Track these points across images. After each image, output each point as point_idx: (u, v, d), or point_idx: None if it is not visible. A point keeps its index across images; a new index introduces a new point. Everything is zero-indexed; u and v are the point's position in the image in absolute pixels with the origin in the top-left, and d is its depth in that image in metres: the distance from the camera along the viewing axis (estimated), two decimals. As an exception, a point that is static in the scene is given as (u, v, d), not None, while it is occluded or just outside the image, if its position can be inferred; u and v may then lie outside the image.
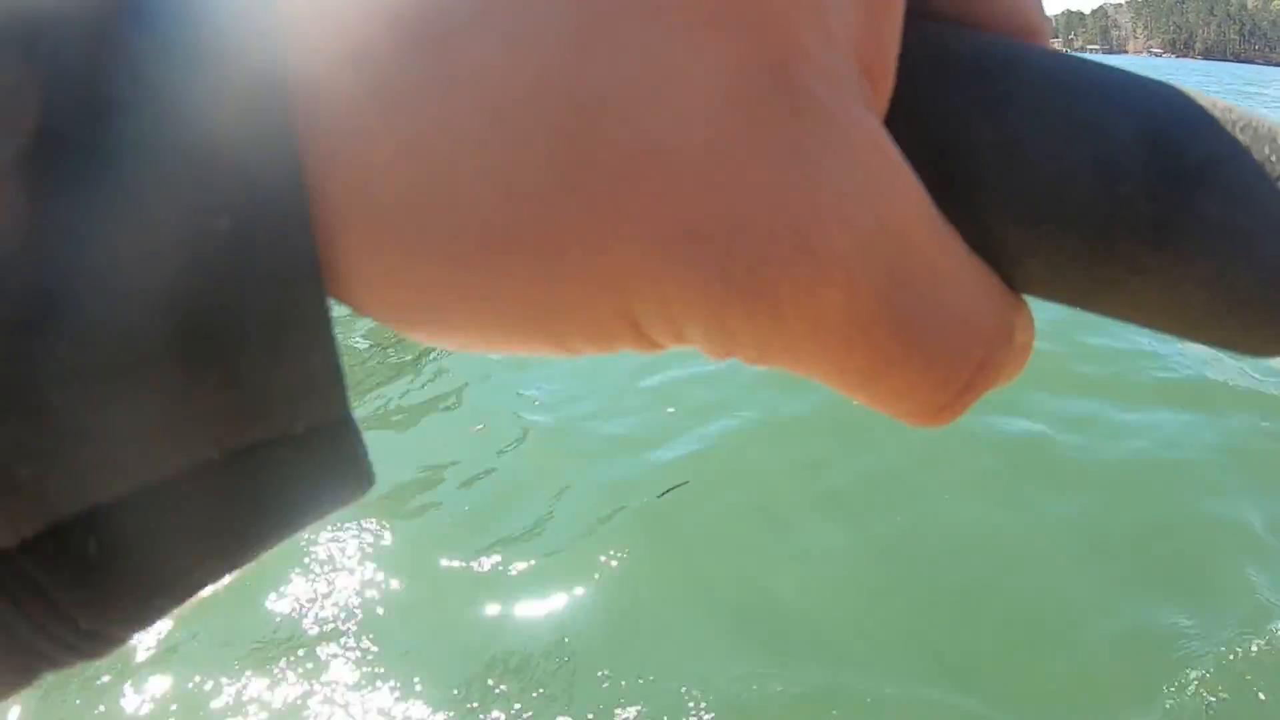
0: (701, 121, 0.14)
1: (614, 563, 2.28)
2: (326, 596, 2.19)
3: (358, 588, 2.22)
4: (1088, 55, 0.16)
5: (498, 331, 0.15)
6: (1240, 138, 0.16)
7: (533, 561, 2.30)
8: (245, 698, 1.93)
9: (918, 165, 0.16)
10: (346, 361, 0.14)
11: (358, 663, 2.01)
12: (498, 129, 0.13)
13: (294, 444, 0.14)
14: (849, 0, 0.15)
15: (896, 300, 0.15)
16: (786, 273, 0.14)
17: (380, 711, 1.90)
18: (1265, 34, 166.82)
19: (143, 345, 0.12)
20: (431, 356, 3.41)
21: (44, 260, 0.11)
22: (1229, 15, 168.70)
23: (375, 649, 2.04)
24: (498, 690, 1.92)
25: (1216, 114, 0.16)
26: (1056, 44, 0.17)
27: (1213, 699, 1.89)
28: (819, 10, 0.14)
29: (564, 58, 0.13)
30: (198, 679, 1.96)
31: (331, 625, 2.11)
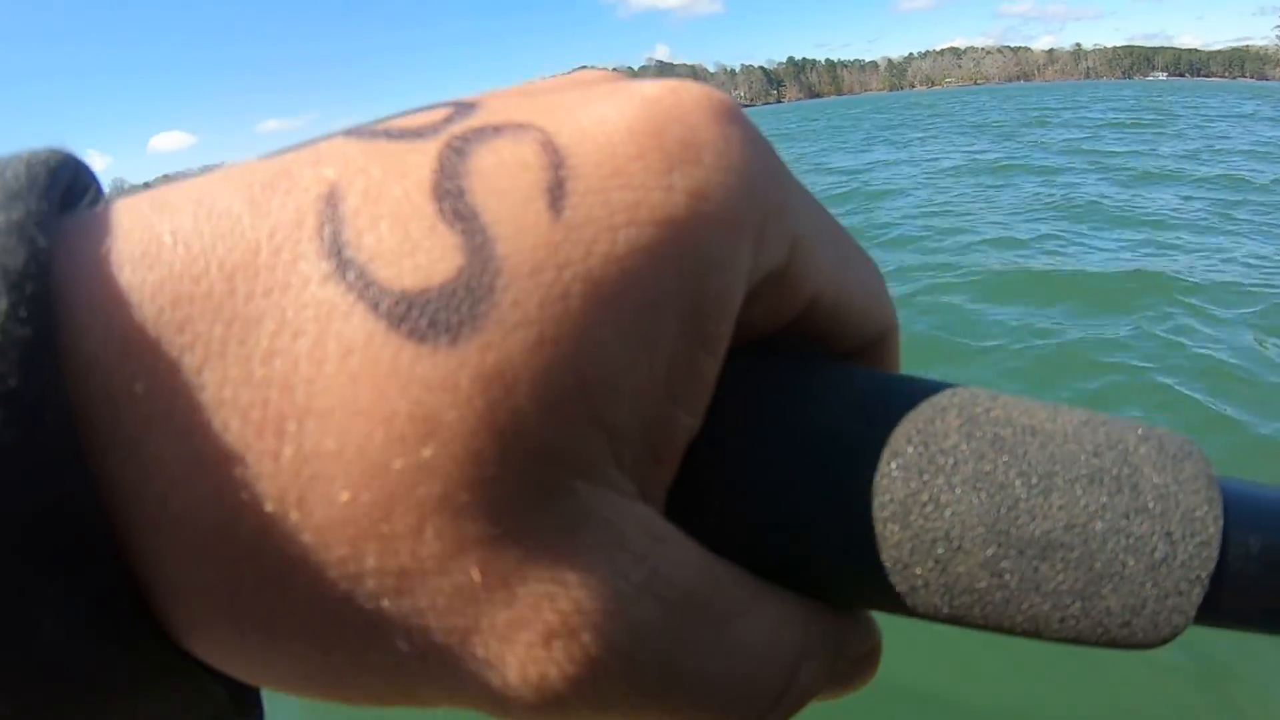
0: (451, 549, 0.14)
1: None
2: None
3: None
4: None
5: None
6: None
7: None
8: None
9: (730, 515, 0.18)
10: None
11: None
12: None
13: None
14: (654, 395, 0.15)
15: (675, 667, 0.16)
16: (565, 673, 0.15)
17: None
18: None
19: None
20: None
21: None
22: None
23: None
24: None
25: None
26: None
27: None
28: (602, 425, 0.15)
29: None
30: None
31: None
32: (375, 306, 0.13)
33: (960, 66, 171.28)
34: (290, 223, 0.14)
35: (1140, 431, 0.19)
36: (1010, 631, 0.18)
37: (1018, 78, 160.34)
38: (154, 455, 0.13)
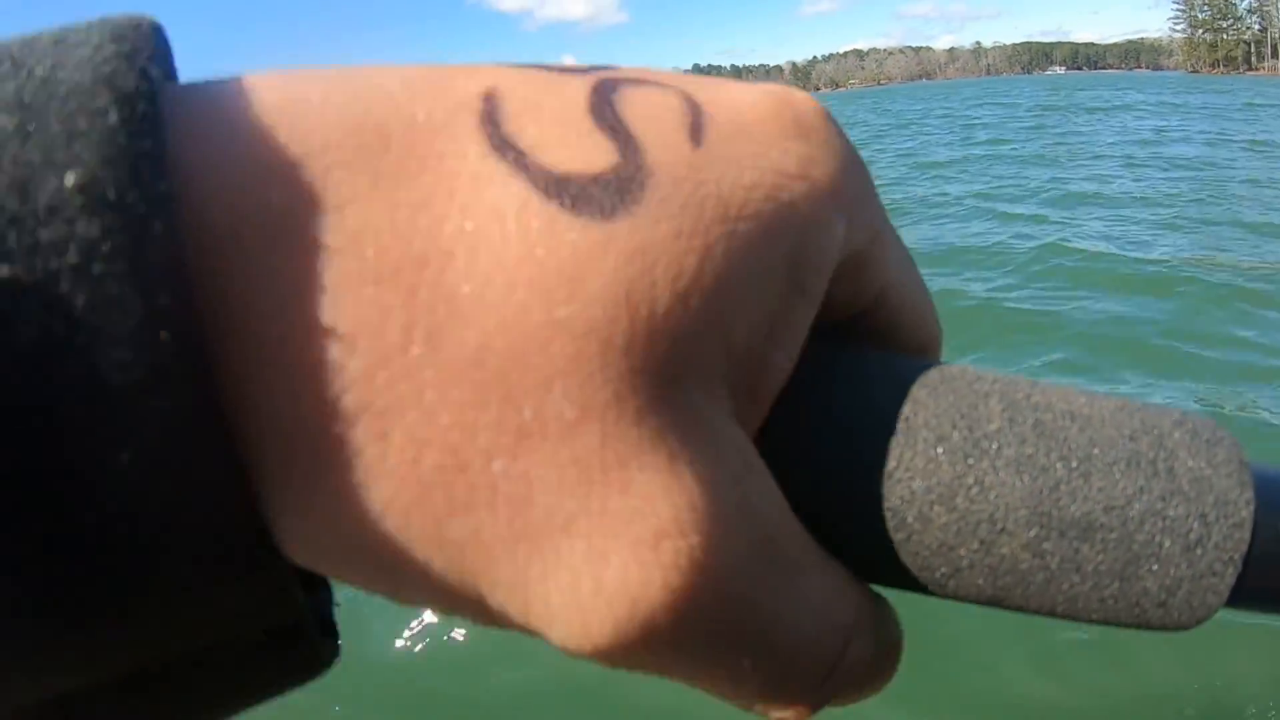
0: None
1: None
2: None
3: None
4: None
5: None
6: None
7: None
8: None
9: (796, 474, 0.18)
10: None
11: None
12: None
13: (244, 648, 0.15)
14: (762, 326, 0.16)
15: (752, 608, 0.16)
16: (667, 584, 0.14)
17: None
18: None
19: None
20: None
21: None
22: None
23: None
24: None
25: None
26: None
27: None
28: (724, 343, 0.16)
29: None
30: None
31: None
32: (534, 181, 0.14)
33: (863, 68, 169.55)
34: (449, 108, 0.15)
35: (1175, 417, 0.19)
36: (1050, 613, 0.19)
37: (920, 76, 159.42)
38: (272, 270, 0.13)
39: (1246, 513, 0.18)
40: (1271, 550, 0.18)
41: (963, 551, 0.18)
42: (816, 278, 0.17)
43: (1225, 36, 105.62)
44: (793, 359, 0.17)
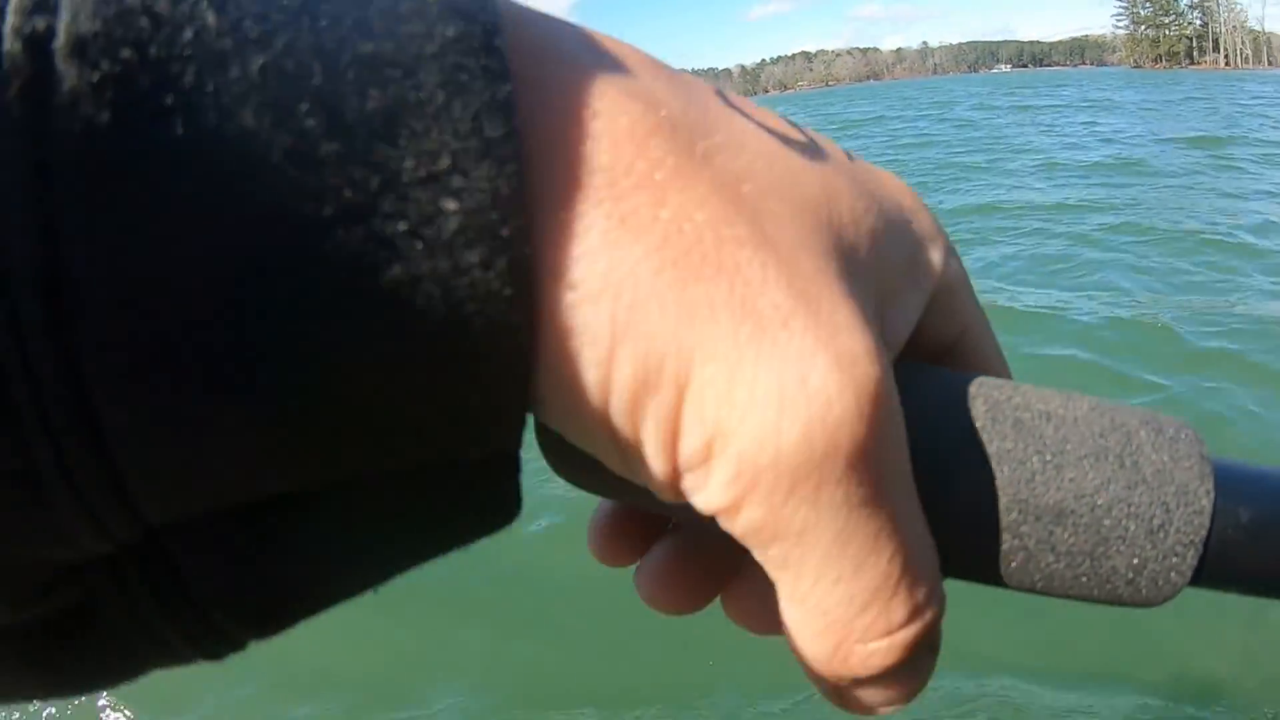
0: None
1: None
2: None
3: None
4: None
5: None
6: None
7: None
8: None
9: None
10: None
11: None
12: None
13: (462, 471, 0.16)
14: (891, 292, 0.21)
15: (893, 485, 0.18)
16: (850, 406, 0.17)
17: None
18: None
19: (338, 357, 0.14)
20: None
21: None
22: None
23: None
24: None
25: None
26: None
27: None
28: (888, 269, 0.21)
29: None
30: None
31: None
32: (758, 125, 0.19)
33: (812, 70, 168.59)
34: (692, 80, 0.20)
35: (1143, 416, 0.21)
36: (1031, 589, 0.21)
37: (867, 77, 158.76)
38: (595, 85, 0.17)
39: (1206, 501, 0.20)
40: (1231, 535, 0.20)
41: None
42: (925, 279, 0.22)
43: (1167, 33, 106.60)
44: (906, 332, 0.21)
